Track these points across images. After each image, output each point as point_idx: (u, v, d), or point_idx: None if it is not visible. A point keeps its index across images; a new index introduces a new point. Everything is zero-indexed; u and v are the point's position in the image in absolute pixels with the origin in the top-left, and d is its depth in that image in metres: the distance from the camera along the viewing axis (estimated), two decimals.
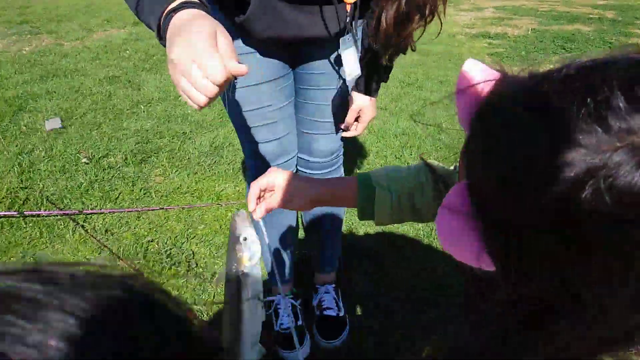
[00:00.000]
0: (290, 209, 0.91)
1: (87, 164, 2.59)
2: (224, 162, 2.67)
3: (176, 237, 2.06)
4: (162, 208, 2.24)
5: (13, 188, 2.32)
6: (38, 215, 2.10)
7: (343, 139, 1.55)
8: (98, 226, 2.11)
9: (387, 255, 2.00)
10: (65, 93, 3.59)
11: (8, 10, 6.48)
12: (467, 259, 0.36)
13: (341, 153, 1.60)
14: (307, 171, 1.57)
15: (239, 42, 1.25)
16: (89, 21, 6.09)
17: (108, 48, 4.87)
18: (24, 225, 2.06)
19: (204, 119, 3.21)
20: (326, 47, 1.30)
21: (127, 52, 4.74)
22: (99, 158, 2.66)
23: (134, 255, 1.93)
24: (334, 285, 1.83)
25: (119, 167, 2.59)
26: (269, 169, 0.92)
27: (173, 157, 2.71)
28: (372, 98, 1.40)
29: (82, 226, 2.07)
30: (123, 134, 2.96)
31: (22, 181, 2.38)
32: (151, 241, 2.02)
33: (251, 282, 0.79)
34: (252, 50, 1.28)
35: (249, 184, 1.60)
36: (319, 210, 1.68)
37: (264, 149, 1.45)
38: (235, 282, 0.78)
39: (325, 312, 1.77)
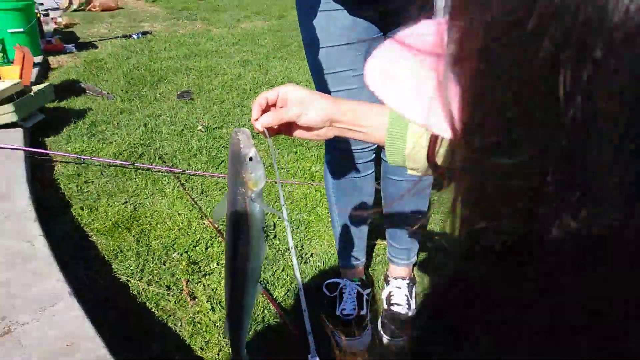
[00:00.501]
0: (303, 126, 0.75)
1: (203, 132, 2.76)
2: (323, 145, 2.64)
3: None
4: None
5: (134, 143, 2.55)
6: (148, 169, 2.28)
7: None
8: (196, 187, 2.22)
9: None
10: (201, 70, 3.89)
11: (176, 1, 7.28)
12: (409, 103, 0.26)
13: None
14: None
15: None
16: (239, 13, 6.57)
17: (249, 36, 5.19)
18: (134, 177, 2.25)
19: None
20: None
21: (265, 40, 5.00)
22: (214, 128, 2.82)
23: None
24: (407, 281, 1.68)
25: (229, 138, 2.71)
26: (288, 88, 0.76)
27: (279, 137, 2.75)
28: None
29: (182, 184, 2.20)
30: (241, 110, 3.10)
31: (143, 139, 2.62)
32: None
33: (257, 211, 0.72)
34: (340, 7, 1.21)
35: (326, 160, 1.54)
36: (400, 193, 1.56)
37: None
38: (240, 211, 0.72)
39: (393, 308, 1.63)
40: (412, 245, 1.66)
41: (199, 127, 2.80)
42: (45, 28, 4.59)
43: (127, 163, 2.27)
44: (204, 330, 1.51)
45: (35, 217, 1.69)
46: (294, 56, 4.42)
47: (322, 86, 1.32)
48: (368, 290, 1.67)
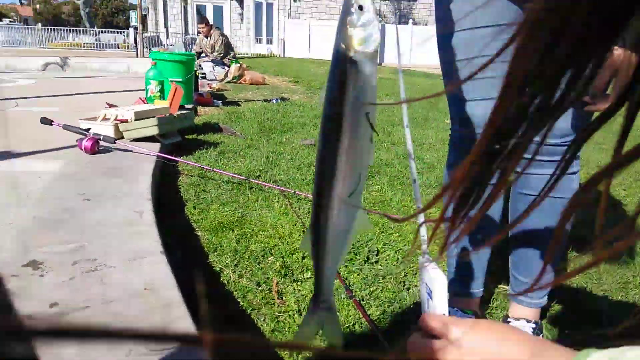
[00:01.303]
0: None
1: None
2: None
3: (368, 235, 1.94)
4: (366, 210, 2.16)
5: (254, 169, 2.64)
6: (261, 188, 2.31)
7: (588, 121, 1.18)
8: (303, 207, 2.17)
9: None
10: None
11: (314, 82, 7.88)
12: None
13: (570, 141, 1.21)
14: (525, 156, 1.25)
15: None
16: None
17: (379, 108, 5.33)
18: (247, 192, 2.29)
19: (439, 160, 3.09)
20: None
21: (393, 111, 5.09)
22: None
23: None
24: (533, 325, 1.37)
25: None
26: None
27: (393, 179, 2.66)
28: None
29: (291, 203, 2.16)
30: None
31: (262, 167, 2.69)
32: None
33: (362, 78, 0.59)
34: None
35: (448, 163, 1.38)
36: (532, 218, 1.31)
37: (472, 110, 1.20)
38: (342, 67, 0.59)
39: None
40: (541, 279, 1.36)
41: None
42: (200, 89, 5.22)
43: (244, 178, 2.32)
44: (286, 329, 1.37)
45: (150, 197, 1.76)
46: (418, 124, 4.40)
47: (452, 77, 1.21)
48: None
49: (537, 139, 1.18)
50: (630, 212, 2.51)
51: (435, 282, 0.55)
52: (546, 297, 1.38)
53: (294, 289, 1.55)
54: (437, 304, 0.55)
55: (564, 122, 1.16)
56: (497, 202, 1.32)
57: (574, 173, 1.26)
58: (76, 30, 24.30)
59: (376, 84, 0.61)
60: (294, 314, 1.43)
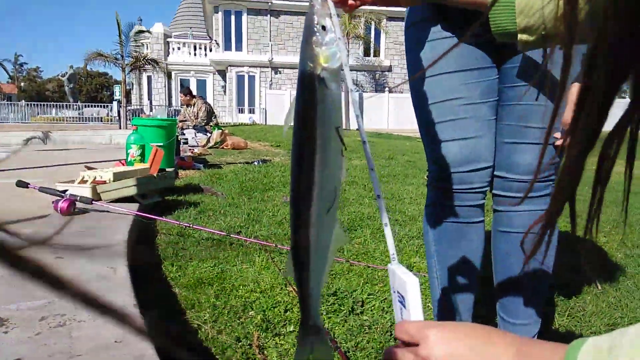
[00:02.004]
0: None
1: None
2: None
3: (352, 285, 1.90)
4: (348, 261, 2.13)
5: (235, 225, 2.60)
6: (241, 244, 2.26)
7: (559, 158, 1.21)
8: (284, 260, 2.13)
9: None
10: None
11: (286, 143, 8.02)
12: None
13: (553, 177, 1.24)
14: (503, 193, 1.27)
15: (437, 26, 1.18)
16: (352, 155, 6.99)
17: (359, 168, 5.41)
18: (228, 248, 2.24)
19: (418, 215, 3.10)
20: None
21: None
22: None
23: None
24: None
25: None
26: None
27: (375, 232, 2.64)
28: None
29: (272, 258, 2.12)
30: (340, 212, 3.08)
31: (243, 223, 2.66)
32: (327, 283, 1.90)
33: (329, 96, 0.60)
34: (450, 35, 1.18)
35: (427, 203, 1.38)
36: (516, 258, 1.30)
37: (447, 149, 1.23)
38: (309, 84, 0.60)
39: None
40: (532, 320, 1.32)
41: None
42: (182, 154, 5.26)
43: (224, 233, 2.28)
44: None
45: (124, 254, 1.70)
46: (399, 181, 4.46)
47: (425, 119, 1.24)
48: None
49: (515, 177, 1.19)
50: (610, 256, 2.52)
51: (407, 285, 0.52)
52: (535, 338, 1.33)
53: (276, 343, 1.48)
54: (412, 309, 0.51)
55: (533, 159, 1.19)
56: (478, 242, 1.32)
57: None
58: (59, 105, 24.67)
59: (340, 100, 0.63)
60: None
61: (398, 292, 0.54)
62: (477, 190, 1.25)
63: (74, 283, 0.20)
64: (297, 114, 0.61)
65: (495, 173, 1.25)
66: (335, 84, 0.61)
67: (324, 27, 0.60)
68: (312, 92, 0.60)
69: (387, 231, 0.59)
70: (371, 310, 1.72)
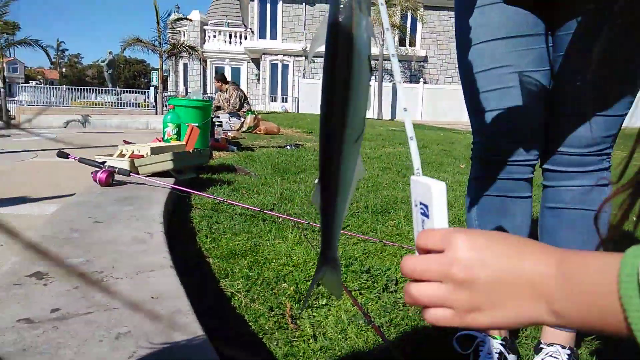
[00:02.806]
0: None
1: None
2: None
3: (386, 265, 1.86)
4: (382, 241, 2.09)
5: (268, 203, 2.60)
6: (274, 221, 2.26)
7: (617, 131, 1.14)
8: (317, 237, 2.11)
9: None
10: None
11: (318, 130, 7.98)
12: None
13: (609, 150, 1.16)
14: (553, 167, 1.20)
15: None
16: (385, 143, 6.91)
17: (392, 155, 5.34)
18: (261, 224, 2.23)
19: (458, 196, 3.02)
20: None
21: (406, 158, 5.09)
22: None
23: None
24: (568, 351, 1.26)
25: (360, 212, 2.62)
26: None
27: (409, 215, 2.59)
28: None
29: (303, 232, 2.10)
30: (374, 195, 3.04)
31: (276, 201, 2.66)
32: (355, 261, 1.86)
33: (364, 24, 0.56)
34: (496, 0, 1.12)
35: (472, 174, 1.32)
36: (563, 233, 1.23)
37: (493, 119, 1.17)
38: (339, 24, 0.56)
39: None
40: None
41: None
42: (216, 136, 5.30)
43: (257, 209, 2.28)
44: (300, 354, 1.27)
45: (161, 221, 1.71)
46: (433, 168, 4.37)
47: (471, 89, 1.18)
48: (514, 358, 1.28)
49: (566, 150, 1.13)
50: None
51: (432, 189, 0.45)
52: None
53: (309, 314, 1.46)
54: (436, 217, 0.44)
55: (587, 132, 1.12)
56: (523, 218, 1.26)
57: (606, 185, 1.19)
58: (99, 90, 25.35)
59: (372, 28, 0.60)
60: (308, 339, 1.33)
61: (421, 204, 0.47)
62: (523, 163, 1.19)
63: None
64: (332, 37, 0.58)
65: (545, 146, 1.19)
66: (367, 19, 0.58)
67: None
68: (347, 23, 0.57)
69: (413, 145, 0.54)
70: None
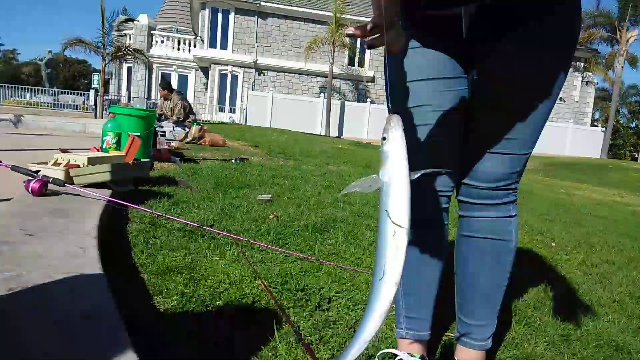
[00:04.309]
0: None
1: (274, 220, 2.77)
2: None
3: (320, 283, 1.93)
4: (318, 260, 2.16)
5: (210, 219, 2.61)
6: (213, 237, 2.27)
7: (523, 169, 1.28)
8: (256, 256, 2.15)
9: None
10: (284, 186, 4.08)
11: (275, 148, 8.05)
12: None
13: (514, 185, 1.30)
14: (465, 199, 1.33)
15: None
16: (330, 161, 7.05)
17: (335, 173, 5.46)
18: (199, 240, 2.25)
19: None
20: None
21: (350, 176, 5.23)
22: (285, 219, 2.83)
23: (275, 283, 1.86)
24: None
25: (299, 230, 2.68)
26: None
27: (347, 234, 2.69)
28: None
29: (243, 252, 2.14)
30: (314, 214, 3.11)
31: (216, 217, 2.67)
32: (291, 279, 1.92)
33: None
34: (418, 45, 1.23)
35: None
36: (474, 259, 1.36)
37: (412, 151, 1.28)
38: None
39: None
40: (488, 322, 1.38)
41: (271, 216, 2.82)
42: (159, 147, 5.21)
43: (196, 225, 2.29)
44: None
45: (95, 236, 1.70)
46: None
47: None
48: None
49: (476, 183, 1.26)
50: (569, 273, 2.62)
51: None
52: (490, 339, 1.39)
53: (241, 332, 1.50)
54: None
55: (498, 167, 1.25)
56: (443, 223, 1.36)
57: (511, 217, 1.33)
58: (34, 89, 24.03)
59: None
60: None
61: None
62: (440, 194, 1.30)
63: None
64: None
65: (462, 181, 1.31)
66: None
67: (384, 138, 0.83)
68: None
69: None
70: (337, 307, 1.76)
